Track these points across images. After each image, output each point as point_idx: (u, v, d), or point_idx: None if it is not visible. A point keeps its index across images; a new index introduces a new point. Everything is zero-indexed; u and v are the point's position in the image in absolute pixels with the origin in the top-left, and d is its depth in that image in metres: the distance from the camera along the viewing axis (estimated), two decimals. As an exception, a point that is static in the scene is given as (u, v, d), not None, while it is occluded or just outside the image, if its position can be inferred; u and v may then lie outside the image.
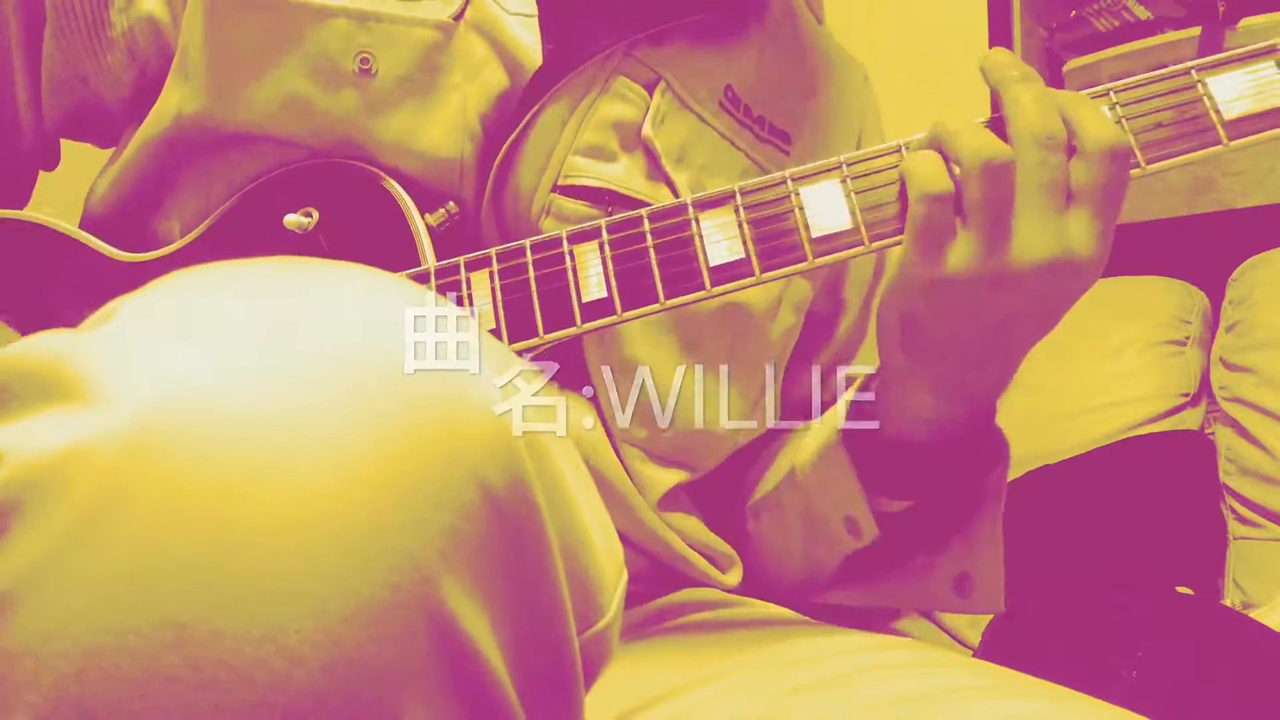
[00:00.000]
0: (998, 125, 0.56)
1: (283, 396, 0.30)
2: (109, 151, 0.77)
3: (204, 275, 0.34)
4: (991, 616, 1.00)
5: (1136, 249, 1.81)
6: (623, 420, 0.69)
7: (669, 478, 0.70)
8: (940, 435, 0.63)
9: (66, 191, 0.80)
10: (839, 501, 0.67)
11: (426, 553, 0.31)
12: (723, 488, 0.77)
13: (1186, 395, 1.57)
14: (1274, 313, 1.52)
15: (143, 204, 0.73)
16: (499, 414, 0.33)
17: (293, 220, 0.66)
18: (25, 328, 0.71)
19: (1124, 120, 0.56)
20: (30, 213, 0.74)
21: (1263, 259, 1.59)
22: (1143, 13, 1.84)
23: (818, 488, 0.69)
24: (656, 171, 0.69)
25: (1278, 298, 1.53)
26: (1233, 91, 0.56)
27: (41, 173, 0.80)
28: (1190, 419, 1.56)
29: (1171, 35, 1.82)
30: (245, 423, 0.29)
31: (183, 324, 0.32)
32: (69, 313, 0.70)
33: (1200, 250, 1.72)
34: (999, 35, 1.96)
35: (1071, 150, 0.55)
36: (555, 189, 0.67)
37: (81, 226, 0.75)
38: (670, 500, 0.71)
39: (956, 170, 0.55)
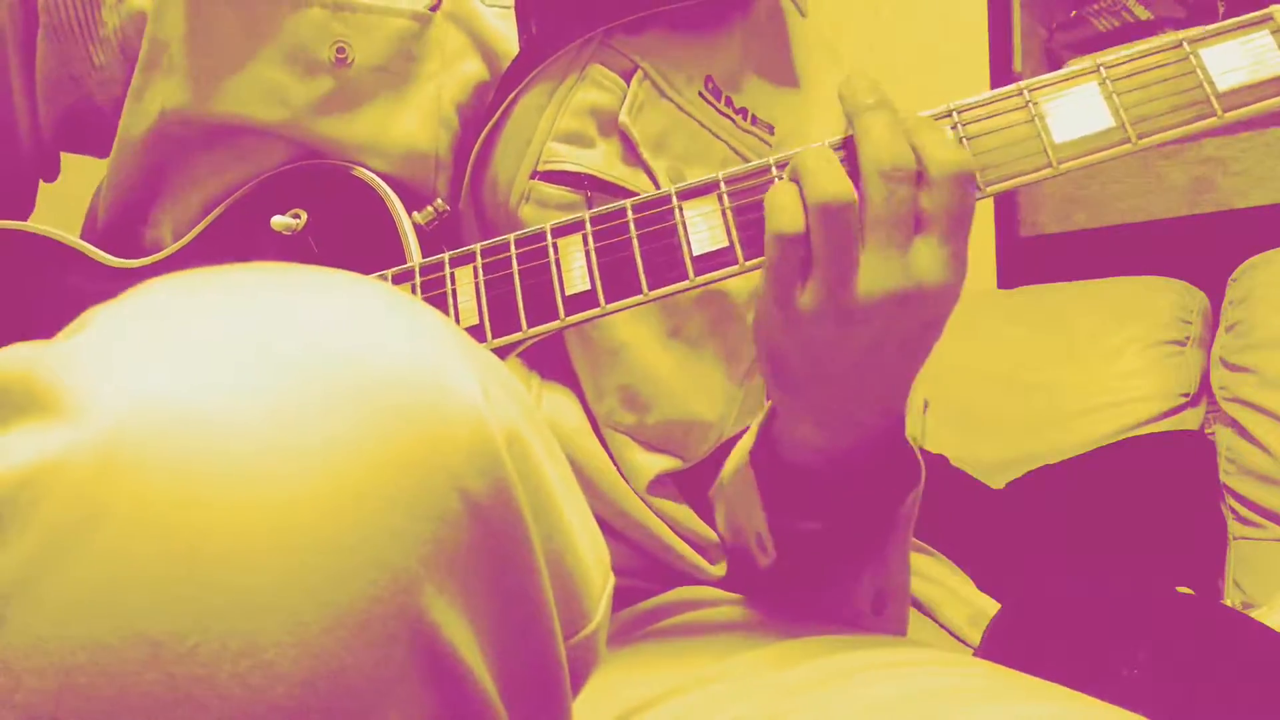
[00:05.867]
0: (853, 148, 0.55)
1: (257, 407, 0.29)
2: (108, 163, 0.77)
3: (178, 283, 0.33)
4: (991, 616, 1.00)
5: (1136, 249, 1.82)
6: (606, 405, 0.70)
7: (657, 463, 0.70)
8: (835, 463, 0.62)
9: (70, 205, 0.80)
10: (750, 518, 0.67)
11: (407, 562, 0.30)
12: (712, 478, 0.77)
13: (1186, 395, 1.57)
14: (1274, 313, 1.52)
15: (132, 211, 0.74)
16: (479, 419, 0.32)
17: (280, 222, 0.67)
18: (26, 336, 0.71)
19: (1114, 95, 0.54)
20: (25, 223, 0.75)
21: (1263, 259, 1.59)
22: (1143, 13, 1.84)
23: (736, 500, 0.69)
24: (634, 158, 0.69)
25: (1278, 298, 1.53)
26: (1227, 63, 0.54)
27: (47, 190, 0.81)
28: (1190, 419, 1.56)
29: (1171, 35, 1.83)
30: (219, 434, 0.29)
31: (156, 334, 0.31)
32: (66, 320, 0.70)
33: (1200, 250, 1.73)
34: (999, 35, 1.96)
35: (920, 175, 0.53)
36: (535, 175, 0.67)
37: (83, 238, 0.75)
38: (659, 486, 0.71)
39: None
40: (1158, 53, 0.55)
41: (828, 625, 0.66)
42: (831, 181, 0.52)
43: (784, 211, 0.53)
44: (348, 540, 0.29)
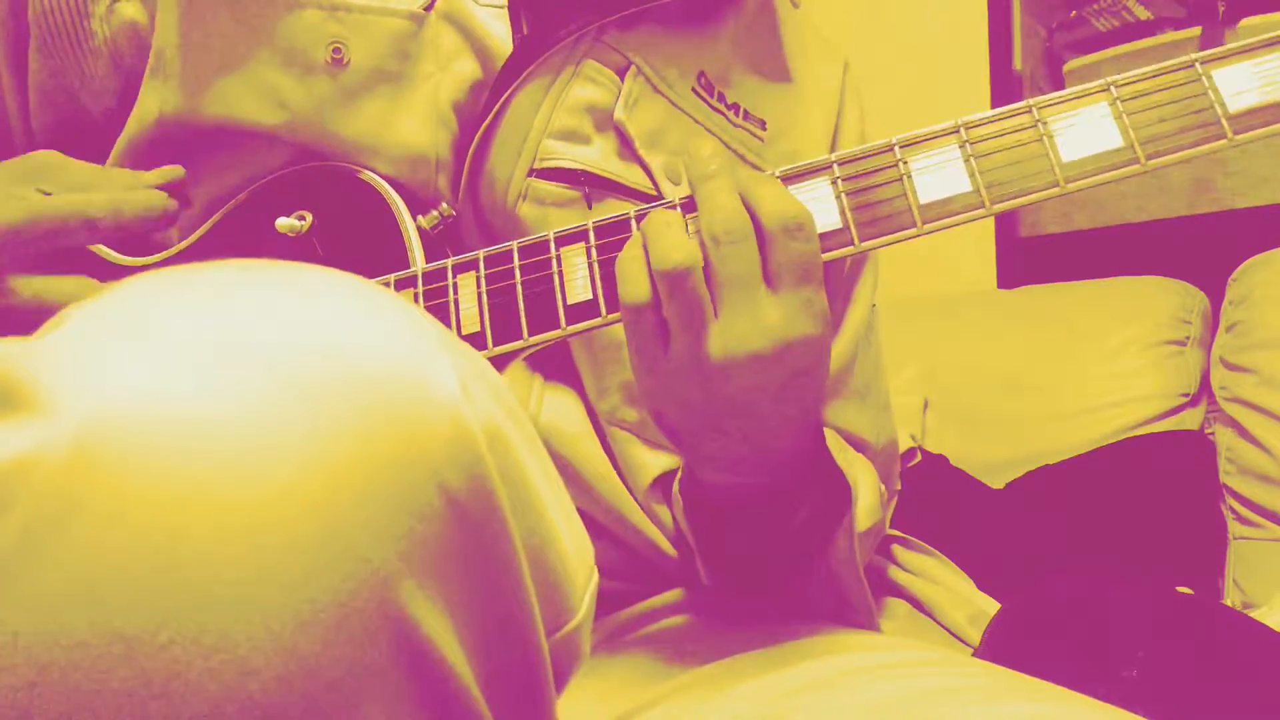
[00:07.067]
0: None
1: (233, 402, 0.29)
2: None
3: (156, 280, 0.33)
4: (991, 616, 1.00)
5: (1136, 249, 1.82)
6: (609, 402, 0.69)
7: (661, 461, 0.70)
8: (753, 496, 0.63)
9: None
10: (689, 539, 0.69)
11: (384, 557, 0.30)
12: None
13: (1186, 395, 1.57)
14: (1274, 313, 1.52)
15: None
16: (458, 414, 0.32)
17: (285, 224, 0.67)
18: (29, 332, 0.71)
19: (1125, 115, 0.54)
20: None
21: (1263, 259, 1.59)
22: (1143, 13, 1.84)
23: (679, 521, 0.70)
24: (629, 153, 0.69)
25: (1278, 298, 1.53)
26: (1238, 84, 0.54)
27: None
28: (1190, 419, 1.56)
29: (1171, 35, 1.83)
30: (194, 430, 0.29)
31: (132, 330, 0.31)
32: None
33: (1200, 250, 1.73)
34: (999, 35, 1.96)
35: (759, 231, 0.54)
36: (532, 173, 0.68)
37: None
38: (662, 486, 0.71)
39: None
40: (1169, 72, 0.55)
41: (825, 625, 0.66)
42: (673, 248, 0.53)
43: (630, 281, 0.55)
44: (324, 536, 0.29)
